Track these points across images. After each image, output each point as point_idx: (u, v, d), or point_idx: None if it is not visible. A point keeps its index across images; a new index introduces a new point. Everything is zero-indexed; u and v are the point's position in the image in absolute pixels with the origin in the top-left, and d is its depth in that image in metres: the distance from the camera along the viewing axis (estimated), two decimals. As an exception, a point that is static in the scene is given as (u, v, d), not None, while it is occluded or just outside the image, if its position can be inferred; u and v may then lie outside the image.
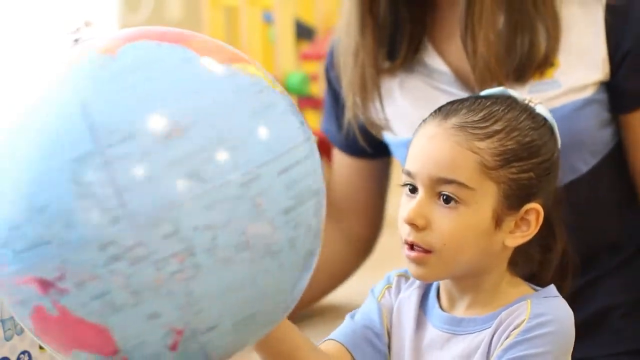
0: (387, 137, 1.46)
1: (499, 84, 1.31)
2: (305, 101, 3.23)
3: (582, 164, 1.37)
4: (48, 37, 3.04)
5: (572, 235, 1.22)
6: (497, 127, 1.12)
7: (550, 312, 1.10)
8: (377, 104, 1.43)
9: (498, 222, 1.12)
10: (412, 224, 1.11)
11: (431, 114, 1.15)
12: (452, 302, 1.17)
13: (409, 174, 1.13)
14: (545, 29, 1.34)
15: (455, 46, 1.39)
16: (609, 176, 1.40)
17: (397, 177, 1.56)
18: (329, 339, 1.19)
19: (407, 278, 1.22)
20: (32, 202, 0.92)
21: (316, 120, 3.26)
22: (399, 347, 1.18)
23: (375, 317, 1.20)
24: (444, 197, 1.10)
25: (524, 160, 1.12)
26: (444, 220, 1.10)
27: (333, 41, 1.53)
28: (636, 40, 1.35)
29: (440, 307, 1.17)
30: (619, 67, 1.36)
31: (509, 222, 1.12)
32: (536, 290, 1.16)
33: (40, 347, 1.24)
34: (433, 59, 1.41)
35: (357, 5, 1.40)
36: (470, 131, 1.11)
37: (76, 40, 1.00)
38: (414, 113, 1.41)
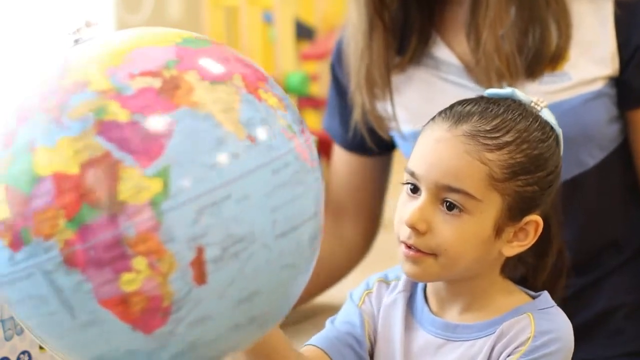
0: (394, 132, 1.47)
1: (506, 81, 1.31)
2: (305, 101, 3.23)
3: (590, 157, 1.37)
4: (47, 37, 3.04)
5: (576, 233, 1.22)
6: (508, 138, 1.11)
7: (554, 329, 1.10)
8: (388, 103, 1.43)
9: (498, 232, 1.11)
10: (414, 228, 1.10)
11: (441, 115, 1.14)
12: (442, 306, 1.16)
13: (412, 174, 1.13)
14: (556, 25, 1.34)
15: (464, 39, 1.39)
16: (615, 172, 1.40)
17: (395, 179, 1.56)
18: (309, 344, 1.19)
19: (387, 283, 1.22)
20: None
21: (316, 120, 3.26)
22: (389, 352, 1.18)
23: (357, 322, 1.19)
24: (448, 203, 1.10)
25: (531, 173, 1.12)
26: (446, 226, 1.10)
27: (340, 38, 1.53)
28: None
29: (430, 310, 1.17)
30: (628, 63, 1.36)
31: (509, 232, 1.12)
32: (532, 297, 1.16)
33: (40, 347, 1.23)
34: (442, 52, 1.41)
35: (366, 10, 1.39)
36: (481, 141, 1.10)
37: (77, 41, 1.00)
38: (421, 105, 1.41)
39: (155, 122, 0.93)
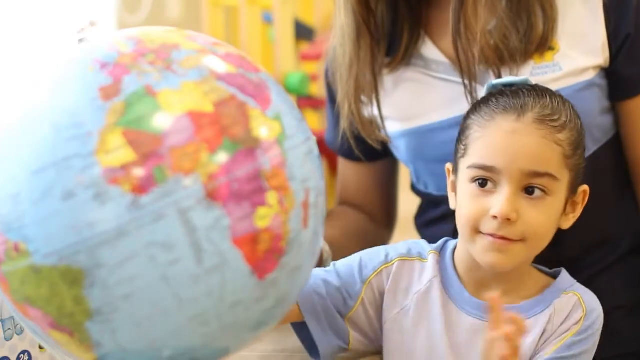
0: (387, 135, 1.46)
1: (498, 69, 1.32)
2: (304, 101, 3.23)
3: None
4: (47, 37, 3.04)
5: (570, 228, 1.23)
6: (564, 118, 1.19)
7: (597, 306, 1.21)
8: (375, 106, 1.43)
9: (565, 207, 1.20)
10: (507, 219, 1.15)
11: (499, 110, 1.18)
12: (481, 289, 1.21)
13: (488, 168, 1.17)
14: (542, 10, 1.34)
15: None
16: (608, 165, 1.40)
17: (404, 178, 1.56)
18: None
19: (410, 260, 1.25)
20: None
21: (316, 120, 3.26)
22: (430, 338, 1.21)
23: (353, 295, 1.24)
24: (530, 189, 1.16)
25: (582, 147, 1.22)
26: (533, 211, 1.16)
27: (329, 50, 1.52)
28: (635, 26, 1.35)
29: (470, 293, 1.21)
30: (617, 53, 1.36)
31: (568, 206, 1.21)
32: (548, 274, 1.24)
33: (40, 347, 1.24)
34: (431, 51, 1.41)
35: (353, 19, 1.39)
36: (550, 124, 1.17)
37: (81, 40, 1.01)
38: (411, 104, 1.42)
39: (257, 77, 1.00)
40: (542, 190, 1.16)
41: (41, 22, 3.07)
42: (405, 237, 1.35)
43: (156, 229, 0.91)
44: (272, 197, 0.95)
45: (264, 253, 0.95)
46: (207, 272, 0.93)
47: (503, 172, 1.16)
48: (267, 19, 3.40)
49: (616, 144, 1.41)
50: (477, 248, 1.18)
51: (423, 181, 1.47)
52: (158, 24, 1.16)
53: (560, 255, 1.34)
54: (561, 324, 1.18)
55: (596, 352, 1.20)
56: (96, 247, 0.90)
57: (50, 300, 0.93)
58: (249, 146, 0.95)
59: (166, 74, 0.96)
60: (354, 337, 1.25)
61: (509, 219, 1.15)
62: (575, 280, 1.23)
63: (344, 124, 1.46)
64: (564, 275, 1.23)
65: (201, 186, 0.92)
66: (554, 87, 1.32)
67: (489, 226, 1.16)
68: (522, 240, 1.16)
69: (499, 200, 1.15)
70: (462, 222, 1.19)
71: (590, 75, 1.36)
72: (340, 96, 1.45)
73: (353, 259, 1.26)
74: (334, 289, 1.24)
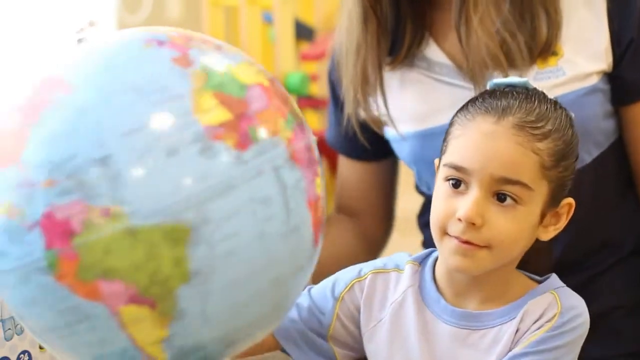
0: (388, 133, 1.46)
1: (501, 72, 1.32)
2: (305, 101, 3.23)
3: (586, 154, 1.37)
4: (48, 37, 3.04)
5: (571, 230, 1.23)
6: (549, 126, 1.15)
7: (579, 305, 1.15)
8: (379, 99, 1.43)
9: (542, 218, 1.15)
10: (471, 223, 1.12)
11: (481, 111, 1.16)
12: (460, 297, 1.18)
13: (460, 169, 1.14)
14: (546, 15, 1.34)
15: (456, 39, 1.38)
16: (611, 169, 1.41)
17: (404, 178, 1.57)
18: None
19: (385, 272, 1.23)
20: None
21: (316, 120, 3.26)
22: (405, 348, 1.19)
23: (326, 312, 1.23)
24: (501, 195, 1.12)
25: (568, 158, 1.16)
26: (501, 218, 1.12)
27: (334, 46, 1.52)
28: (639, 30, 1.35)
29: (446, 301, 1.18)
30: (621, 58, 1.36)
31: (548, 218, 1.16)
32: (538, 281, 1.19)
33: (40, 347, 1.24)
34: (434, 53, 1.41)
35: (360, 4, 1.39)
36: (530, 131, 1.13)
37: (80, 40, 1.02)
38: (417, 106, 1.41)
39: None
40: (514, 199, 1.12)
41: (41, 22, 3.07)
42: (406, 237, 1.35)
43: (257, 184, 0.94)
44: (319, 169, 1.01)
45: (320, 220, 1.00)
46: (291, 231, 0.96)
47: (474, 174, 1.13)
48: (267, 19, 3.40)
49: (619, 148, 1.41)
50: (444, 250, 1.15)
51: (425, 182, 1.48)
52: (158, 24, 1.16)
53: (561, 257, 1.34)
54: (534, 322, 1.14)
55: (596, 352, 1.20)
56: (205, 202, 0.91)
57: (142, 267, 0.91)
58: (301, 121, 1.01)
59: (221, 52, 1.00)
60: (340, 353, 1.24)
61: (473, 223, 1.11)
62: (564, 284, 1.19)
63: (348, 109, 1.45)
64: (552, 279, 1.19)
65: (285, 148, 0.96)
66: (557, 92, 1.32)
67: (454, 229, 1.13)
68: (487, 246, 1.12)
69: (465, 203, 1.12)
70: (432, 221, 1.16)
71: (594, 80, 1.36)
72: (345, 83, 1.45)
73: (329, 279, 1.26)
74: (305, 311, 1.23)
